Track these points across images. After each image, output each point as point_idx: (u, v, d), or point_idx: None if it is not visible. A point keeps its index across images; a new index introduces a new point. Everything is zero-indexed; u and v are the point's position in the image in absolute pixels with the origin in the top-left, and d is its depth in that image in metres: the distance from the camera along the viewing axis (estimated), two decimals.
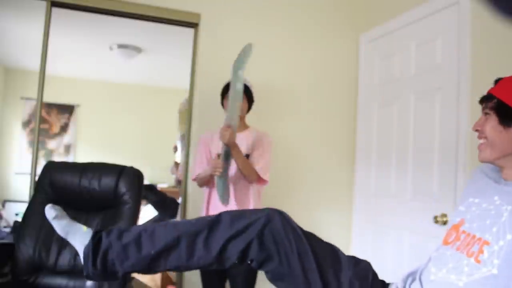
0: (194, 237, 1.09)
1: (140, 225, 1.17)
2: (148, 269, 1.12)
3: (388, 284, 1.16)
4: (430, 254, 1.16)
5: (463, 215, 1.10)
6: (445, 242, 1.09)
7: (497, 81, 1.14)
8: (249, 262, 1.11)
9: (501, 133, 1.07)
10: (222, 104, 2.17)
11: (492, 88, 1.13)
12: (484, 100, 1.14)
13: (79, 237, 1.11)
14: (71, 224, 1.13)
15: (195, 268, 1.13)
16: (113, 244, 1.09)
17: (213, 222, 1.10)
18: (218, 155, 1.97)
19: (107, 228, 1.15)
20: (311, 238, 1.12)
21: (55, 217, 1.13)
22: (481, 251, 0.96)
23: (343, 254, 1.15)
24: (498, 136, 1.08)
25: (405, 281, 1.13)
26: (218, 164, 1.91)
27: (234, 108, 1.90)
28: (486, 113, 1.12)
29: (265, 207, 1.17)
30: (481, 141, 1.13)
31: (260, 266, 1.11)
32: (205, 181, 2.07)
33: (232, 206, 2.01)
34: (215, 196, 2.04)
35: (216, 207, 2.01)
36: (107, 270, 1.10)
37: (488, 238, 0.96)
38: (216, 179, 1.98)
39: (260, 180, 2.06)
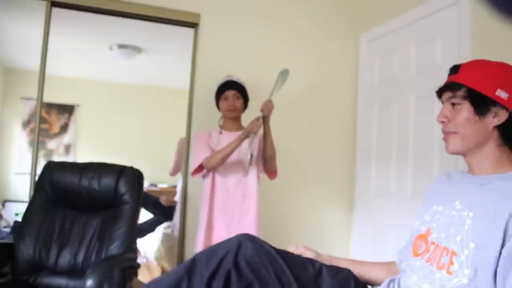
0: (176, 287, 1.08)
1: None
2: None
3: None
4: (400, 266, 1.18)
5: (428, 224, 1.08)
6: (415, 254, 1.08)
7: (455, 68, 1.09)
8: None
9: (476, 123, 1.02)
10: (218, 106, 2.18)
11: (455, 76, 1.07)
12: (449, 89, 1.07)
13: None
14: None
15: None
16: None
17: (190, 267, 1.10)
18: (258, 118, 2.00)
19: None
20: (286, 256, 1.13)
21: None
22: (451, 263, 0.94)
23: (324, 265, 1.16)
24: (472, 127, 1.02)
25: (387, 286, 1.15)
26: (258, 123, 1.97)
27: (277, 90, 2.08)
28: (453, 103, 1.06)
29: (238, 234, 1.17)
30: (449, 133, 1.08)
31: None
32: (222, 160, 1.97)
33: (252, 177, 2.06)
34: (218, 189, 2.04)
35: (222, 200, 2.03)
36: None
37: (454, 248, 0.95)
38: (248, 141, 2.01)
39: (274, 173, 2.16)
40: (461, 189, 1.06)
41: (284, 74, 2.10)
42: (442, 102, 1.11)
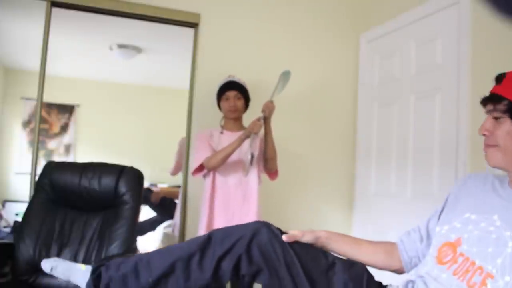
0: (188, 260, 1.10)
1: (135, 255, 1.19)
2: None
3: (385, 286, 1.14)
4: (417, 270, 1.12)
5: (459, 233, 1.01)
6: (440, 262, 1.02)
7: (499, 78, 1.01)
8: (241, 277, 1.11)
9: None
10: (219, 106, 2.18)
11: (498, 87, 1.00)
12: (490, 101, 1.01)
13: (79, 277, 1.17)
14: (69, 267, 1.20)
15: None
16: (113, 277, 1.13)
17: (204, 244, 1.12)
18: (259, 118, 2.00)
19: (105, 263, 1.19)
20: (298, 248, 1.11)
21: (52, 269, 1.19)
22: (484, 283, 0.89)
23: (337, 258, 1.14)
24: None
25: (406, 286, 1.11)
26: (259, 124, 1.97)
27: (278, 92, 2.09)
28: (496, 117, 1.00)
29: (256, 220, 1.19)
30: (490, 145, 1.02)
31: (253, 279, 1.12)
32: (222, 159, 1.97)
33: (252, 177, 2.05)
34: (219, 189, 2.04)
35: (222, 200, 2.03)
36: None
37: (492, 271, 0.88)
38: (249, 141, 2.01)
39: (274, 174, 2.16)
40: (501, 204, 0.98)
41: (285, 75, 2.10)
42: (486, 112, 1.05)
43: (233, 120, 2.15)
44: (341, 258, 1.15)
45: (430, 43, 2.23)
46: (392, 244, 1.23)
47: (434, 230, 1.14)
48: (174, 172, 3.11)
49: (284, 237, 1.12)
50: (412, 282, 1.09)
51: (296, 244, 1.12)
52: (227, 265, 1.08)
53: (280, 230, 1.15)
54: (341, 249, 1.21)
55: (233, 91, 2.11)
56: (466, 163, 1.93)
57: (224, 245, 1.09)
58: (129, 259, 1.16)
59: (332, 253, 1.18)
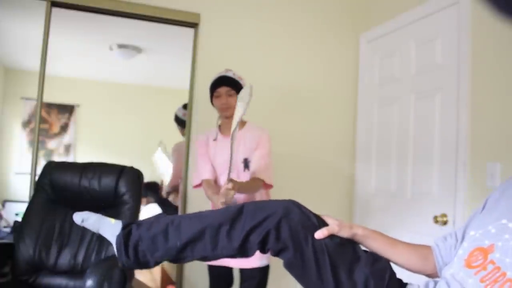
0: (218, 229, 1.12)
1: (167, 217, 1.21)
2: (176, 259, 1.17)
3: (406, 284, 1.12)
4: (444, 271, 1.08)
5: (493, 240, 0.97)
6: (468, 265, 0.98)
7: None
8: (267, 250, 1.13)
9: None
10: (212, 102, 2.06)
11: None
12: None
13: (109, 229, 1.19)
14: (99, 219, 1.22)
15: (221, 257, 1.16)
16: (143, 236, 1.15)
17: (235, 215, 1.13)
18: (229, 180, 1.73)
19: (136, 221, 1.22)
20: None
21: (83, 220, 1.21)
22: None
23: (363, 252, 1.13)
24: None
25: (427, 286, 1.08)
26: (232, 192, 1.71)
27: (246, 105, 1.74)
28: None
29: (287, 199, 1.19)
30: None
31: (276, 255, 1.13)
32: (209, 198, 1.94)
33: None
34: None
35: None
36: (139, 260, 1.16)
37: None
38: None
39: (265, 186, 1.98)
40: None
41: (249, 90, 1.77)
42: None
43: (228, 119, 1.98)
44: (367, 252, 1.15)
45: (430, 43, 2.23)
46: (428, 248, 1.19)
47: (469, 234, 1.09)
48: (171, 184, 3.04)
49: (320, 233, 1.09)
50: (434, 282, 1.06)
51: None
52: (255, 239, 1.09)
53: (311, 212, 1.15)
54: (376, 248, 1.19)
55: (224, 87, 1.97)
56: (466, 163, 1.93)
57: (255, 219, 1.10)
58: (160, 220, 1.18)
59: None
